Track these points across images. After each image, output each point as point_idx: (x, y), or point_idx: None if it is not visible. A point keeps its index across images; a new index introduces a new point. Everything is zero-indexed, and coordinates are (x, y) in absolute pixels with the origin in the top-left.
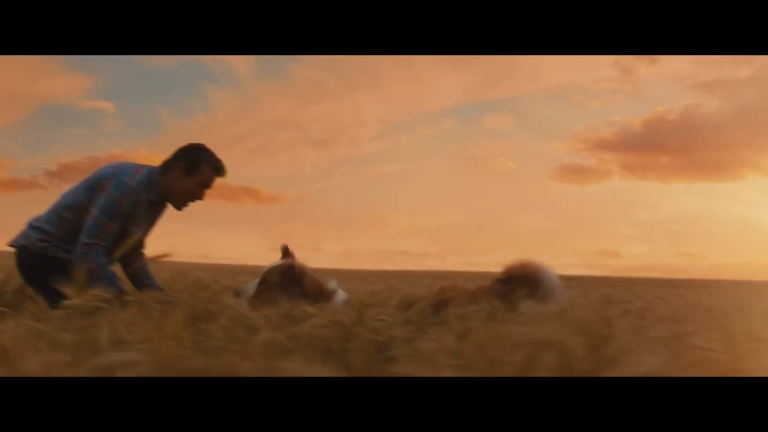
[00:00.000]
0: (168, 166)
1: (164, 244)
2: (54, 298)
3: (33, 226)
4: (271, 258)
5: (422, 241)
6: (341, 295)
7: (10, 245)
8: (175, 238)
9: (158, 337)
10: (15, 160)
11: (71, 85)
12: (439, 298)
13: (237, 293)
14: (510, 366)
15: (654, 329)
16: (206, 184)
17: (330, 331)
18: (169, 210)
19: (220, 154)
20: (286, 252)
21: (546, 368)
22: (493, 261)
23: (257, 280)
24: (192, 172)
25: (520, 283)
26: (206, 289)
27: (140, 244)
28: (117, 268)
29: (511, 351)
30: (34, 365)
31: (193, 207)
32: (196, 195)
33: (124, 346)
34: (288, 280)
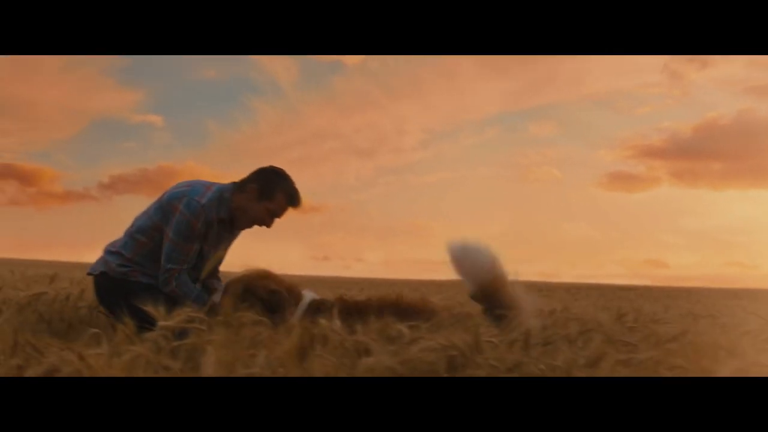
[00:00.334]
0: (242, 185)
1: None
2: (138, 320)
3: (110, 251)
4: (312, 266)
5: None
6: (309, 295)
7: (90, 274)
8: None
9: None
10: (69, 173)
11: (122, 99)
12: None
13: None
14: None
15: None
16: (276, 213)
17: (438, 355)
18: None
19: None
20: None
21: None
22: (535, 270)
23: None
24: (265, 197)
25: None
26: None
27: (219, 264)
28: None
29: None
30: None
31: None
32: (264, 221)
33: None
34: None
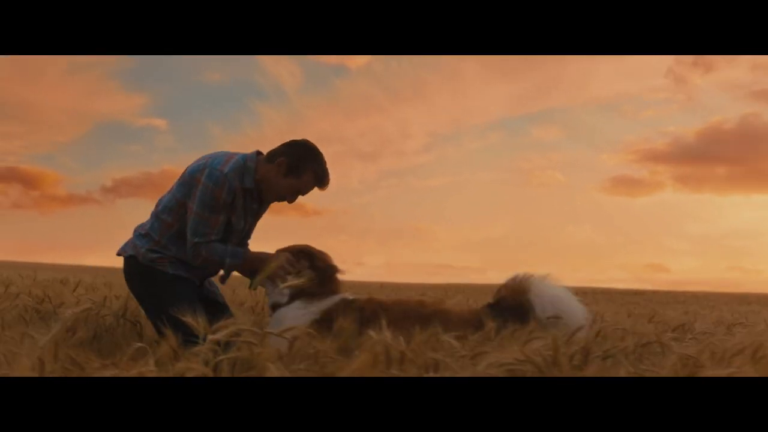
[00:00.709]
0: (271, 156)
1: None
2: (182, 333)
3: (139, 234)
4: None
5: (466, 255)
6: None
7: (119, 254)
8: None
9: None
10: (72, 176)
11: (127, 103)
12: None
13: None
14: None
15: None
16: (301, 191)
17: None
18: None
19: None
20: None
21: None
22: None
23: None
24: (292, 173)
25: (510, 310)
26: None
27: (247, 236)
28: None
29: None
30: None
31: None
32: (286, 198)
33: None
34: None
